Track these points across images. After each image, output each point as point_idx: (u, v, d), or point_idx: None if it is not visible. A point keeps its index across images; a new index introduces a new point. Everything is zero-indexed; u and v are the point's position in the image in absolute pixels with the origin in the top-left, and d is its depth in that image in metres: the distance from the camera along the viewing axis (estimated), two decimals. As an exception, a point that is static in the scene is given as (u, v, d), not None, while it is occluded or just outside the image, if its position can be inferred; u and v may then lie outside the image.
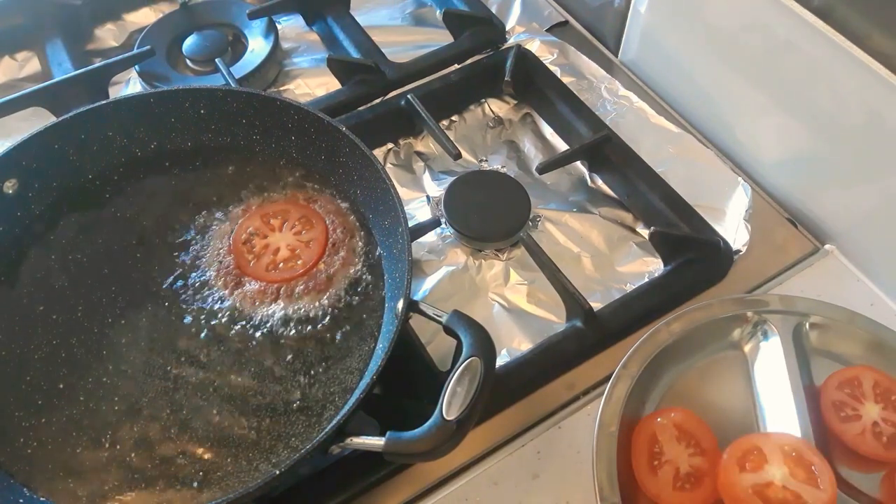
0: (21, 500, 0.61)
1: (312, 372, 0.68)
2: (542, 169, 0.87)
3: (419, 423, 0.55)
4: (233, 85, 0.92)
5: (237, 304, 0.72)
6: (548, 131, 0.95)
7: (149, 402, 0.66)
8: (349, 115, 0.91)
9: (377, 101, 0.94)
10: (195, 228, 0.77)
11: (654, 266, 0.82)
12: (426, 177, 0.90)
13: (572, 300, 0.74)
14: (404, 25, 1.08)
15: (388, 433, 0.56)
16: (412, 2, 1.11)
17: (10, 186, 0.75)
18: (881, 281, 0.79)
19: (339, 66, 0.96)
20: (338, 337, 0.70)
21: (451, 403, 0.55)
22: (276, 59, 1.01)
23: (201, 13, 1.05)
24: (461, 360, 0.57)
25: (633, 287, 0.79)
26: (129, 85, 1.00)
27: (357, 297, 0.72)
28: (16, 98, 0.89)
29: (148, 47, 0.97)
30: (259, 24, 1.03)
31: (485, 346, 0.59)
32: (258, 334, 0.70)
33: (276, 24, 1.04)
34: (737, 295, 0.76)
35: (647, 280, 0.80)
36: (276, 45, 1.01)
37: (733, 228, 0.82)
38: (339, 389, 0.67)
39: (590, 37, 1.06)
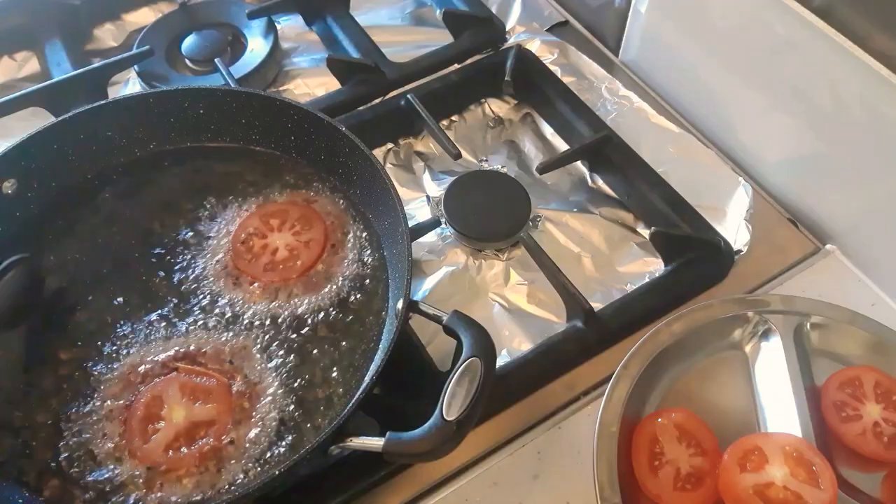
0: (20, 501, 0.61)
1: (311, 372, 0.68)
2: (543, 169, 0.87)
3: (419, 424, 0.55)
4: (232, 85, 0.92)
5: (236, 305, 0.72)
6: (548, 131, 0.95)
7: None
8: (349, 114, 0.91)
9: (377, 101, 0.94)
10: (194, 228, 0.77)
11: (654, 266, 0.81)
12: (426, 177, 0.90)
13: (573, 300, 0.74)
14: (404, 25, 1.08)
15: (387, 433, 0.56)
16: (412, 2, 1.11)
17: (9, 186, 0.75)
18: (882, 281, 0.79)
19: (338, 65, 0.95)
20: (337, 337, 0.70)
21: (450, 404, 0.55)
22: (276, 59, 1.01)
23: (200, 13, 1.05)
24: (461, 360, 0.57)
25: (634, 287, 0.79)
26: (129, 85, 0.99)
27: (356, 298, 0.72)
28: (15, 98, 0.89)
29: (147, 47, 0.97)
30: (258, 24, 1.03)
31: (485, 346, 0.59)
32: (256, 335, 0.70)
33: (276, 24, 1.04)
34: (738, 295, 0.76)
35: (647, 280, 0.80)
36: (275, 44, 1.01)
37: (734, 228, 0.82)
38: (339, 390, 0.67)
39: (590, 37, 1.06)
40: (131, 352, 0.69)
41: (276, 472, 0.55)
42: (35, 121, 0.88)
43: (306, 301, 0.72)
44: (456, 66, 0.98)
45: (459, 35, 1.01)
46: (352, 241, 0.76)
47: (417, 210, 0.86)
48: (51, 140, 0.76)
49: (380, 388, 0.67)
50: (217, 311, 0.71)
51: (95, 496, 0.61)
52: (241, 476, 0.61)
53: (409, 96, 0.91)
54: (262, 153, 0.82)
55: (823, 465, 0.61)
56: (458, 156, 0.87)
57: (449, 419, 0.54)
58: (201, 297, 0.72)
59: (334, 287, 0.73)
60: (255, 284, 0.73)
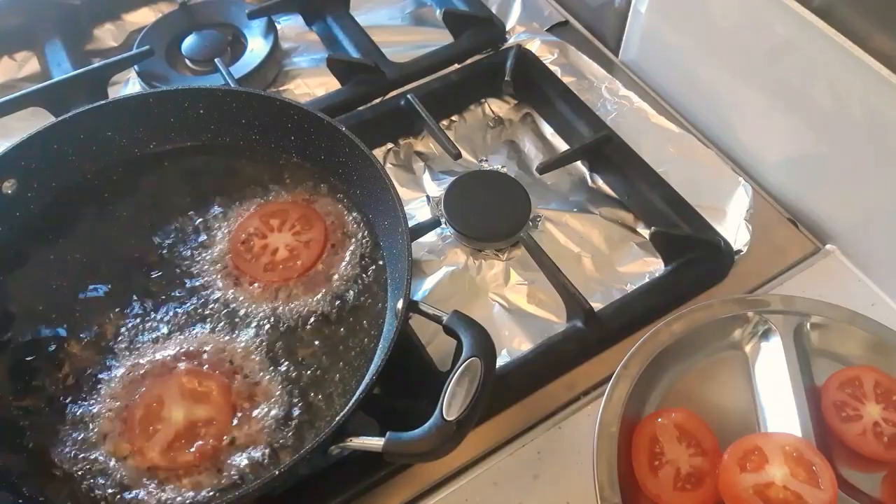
0: (20, 502, 0.61)
1: (311, 372, 0.68)
2: (543, 169, 0.87)
3: (419, 424, 0.55)
4: (232, 85, 0.92)
5: (235, 305, 0.72)
6: (548, 131, 0.95)
7: (148, 402, 0.66)
8: (349, 114, 0.91)
9: (377, 101, 0.94)
10: (194, 228, 0.77)
11: (654, 266, 0.81)
12: (426, 177, 0.90)
13: (573, 300, 0.74)
14: (404, 25, 1.08)
15: (387, 433, 0.56)
16: (412, 2, 1.11)
17: (8, 186, 0.75)
18: (882, 281, 0.79)
19: (338, 65, 0.95)
20: (337, 337, 0.70)
21: (451, 404, 0.55)
22: (276, 59, 1.01)
23: (200, 13, 1.05)
24: (461, 360, 0.57)
25: (634, 287, 0.79)
26: (129, 85, 0.99)
27: (356, 298, 0.72)
28: (15, 98, 0.89)
29: (147, 47, 0.97)
30: (258, 24, 1.03)
31: (485, 346, 0.59)
32: (256, 335, 0.70)
33: (276, 24, 1.04)
34: (738, 295, 0.76)
35: (647, 280, 0.80)
36: (275, 44, 1.01)
37: (734, 228, 0.82)
38: (339, 390, 0.67)
39: (590, 37, 1.06)
40: (131, 351, 0.69)
41: (276, 472, 0.55)
42: (35, 121, 0.88)
43: (306, 301, 0.72)
44: (456, 66, 0.98)
45: (459, 35, 1.01)
46: (352, 241, 0.76)
47: (417, 210, 0.86)
48: (51, 140, 0.76)
49: (380, 388, 0.67)
50: (217, 311, 0.71)
51: (95, 497, 0.61)
52: (241, 476, 0.61)
53: (409, 96, 0.91)
54: (261, 153, 0.82)
55: (823, 465, 0.61)
56: (458, 156, 0.87)
57: (449, 419, 0.54)
58: (201, 297, 0.72)
59: (334, 287, 0.73)
60: (256, 284, 0.73)
